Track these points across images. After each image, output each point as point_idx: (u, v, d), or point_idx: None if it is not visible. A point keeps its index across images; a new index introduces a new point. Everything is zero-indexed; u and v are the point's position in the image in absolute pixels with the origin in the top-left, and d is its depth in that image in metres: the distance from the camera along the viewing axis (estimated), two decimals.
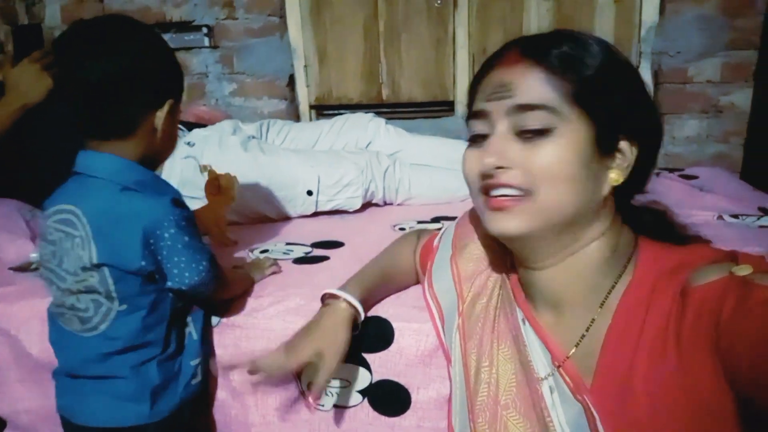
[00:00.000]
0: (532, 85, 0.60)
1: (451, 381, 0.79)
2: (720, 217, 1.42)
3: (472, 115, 0.65)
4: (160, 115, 0.86)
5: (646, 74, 2.14)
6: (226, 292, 0.98)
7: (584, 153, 0.59)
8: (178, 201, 0.86)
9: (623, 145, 0.62)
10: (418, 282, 0.98)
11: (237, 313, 0.99)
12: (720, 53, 2.08)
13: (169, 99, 0.87)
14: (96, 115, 0.83)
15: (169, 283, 0.86)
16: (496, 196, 0.62)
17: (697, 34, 2.07)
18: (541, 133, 0.59)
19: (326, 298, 0.86)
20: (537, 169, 0.59)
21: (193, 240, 0.86)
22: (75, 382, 0.88)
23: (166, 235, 0.82)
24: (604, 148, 0.60)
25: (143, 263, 0.82)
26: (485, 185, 0.63)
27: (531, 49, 0.62)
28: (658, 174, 1.90)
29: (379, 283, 0.93)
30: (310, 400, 0.83)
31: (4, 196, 1.49)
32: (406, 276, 0.97)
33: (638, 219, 0.67)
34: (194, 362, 0.93)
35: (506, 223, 0.61)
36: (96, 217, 0.81)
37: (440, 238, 0.90)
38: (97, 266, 0.81)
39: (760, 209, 1.48)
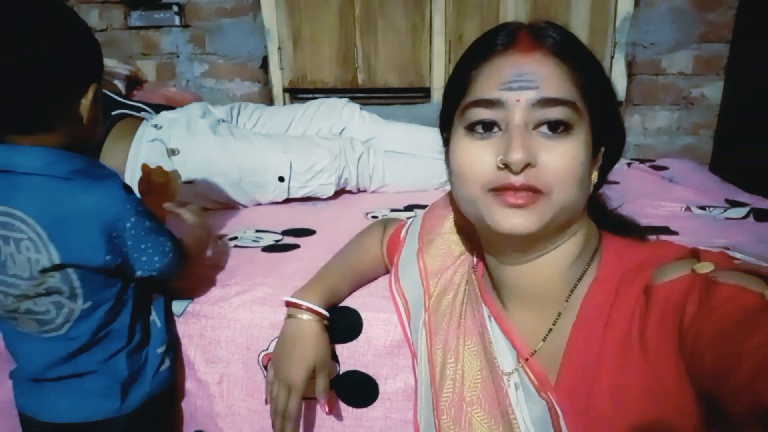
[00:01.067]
0: (556, 78, 0.56)
1: (416, 377, 0.78)
2: (688, 209, 1.45)
3: (479, 102, 0.58)
4: (86, 103, 0.78)
5: (620, 65, 2.16)
6: (190, 262, 0.94)
7: (588, 153, 0.58)
8: (127, 186, 0.81)
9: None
10: (387, 272, 0.97)
11: (202, 303, 0.97)
12: (692, 46, 2.10)
13: (93, 84, 0.79)
14: (14, 109, 0.74)
15: (138, 273, 0.83)
16: (511, 192, 0.56)
17: (671, 26, 2.09)
18: (564, 130, 0.56)
19: (290, 306, 0.85)
20: (558, 167, 0.55)
21: (152, 222, 0.83)
22: (38, 384, 0.85)
23: (128, 225, 0.79)
24: (594, 149, 0.60)
25: (108, 258, 0.78)
26: (502, 185, 0.56)
27: (546, 39, 0.58)
28: (629, 164, 1.92)
29: (345, 280, 0.92)
30: (325, 405, 0.84)
31: None
32: (374, 268, 0.96)
33: (600, 214, 0.67)
34: (161, 350, 0.91)
35: (520, 221, 0.56)
36: (45, 215, 0.75)
37: (407, 230, 0.89)
38: (58, 267, 0.76)
39: (727, 201, 1.51)
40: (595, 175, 0.62)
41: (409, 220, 0.91)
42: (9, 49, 0.71)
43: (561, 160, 0.55)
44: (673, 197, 1.54)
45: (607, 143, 0.63)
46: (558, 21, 0.61)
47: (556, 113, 0.56)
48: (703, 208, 1.45)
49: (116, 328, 0.85)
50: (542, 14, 2.12)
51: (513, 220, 0.56)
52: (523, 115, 0.56)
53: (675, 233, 1.25)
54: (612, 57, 2.16)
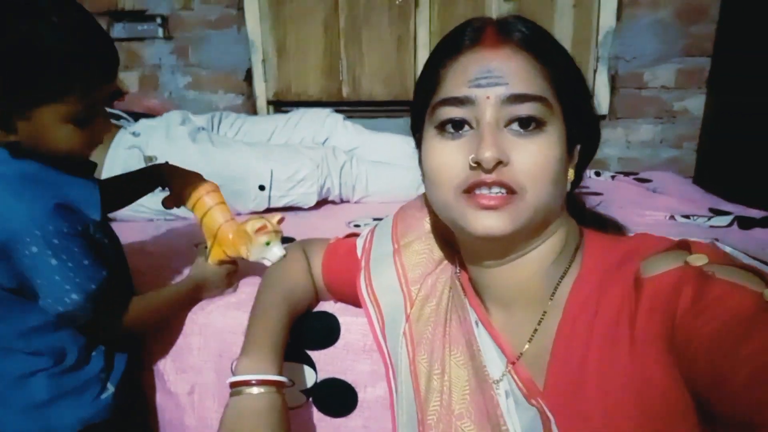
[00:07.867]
0: (525, 73, 0.55)
1: (391, 389, 0.73)
2: (672, 217, 1.44)
3: (448, 101, 0.56)
4: (53, 113, 0.68)
5: (603, 78, 2.17)
6: (130, 326, 0.83)
7: (563, 151, 0.56)
8: (62, 208, 0.71)
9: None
10: (318, 301, 0.90)
11: None
12: (675, 59, 2.12)
13: (73, 92, 0.68)
14: None
15: (41, 302, 0.73)
16: (484, 194, 0.54)
17: (653, 39, 2.11)
18: (536, 126, 0.54)
19: (238, 385, 0.67)
20: (531, 166, 0.53)
21: (66, 263, 0.72)
22: None
23: (27, 252, 0.69)
24: (569, 145, 0.58)
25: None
26: (474, 182, 0.54)
27: (513, 33, 0.56)
28: (613, 177, 1.92)
29: (287, 324, 0.77)
30: None
31: None
32: (307, 299, 0.86)
33: (578, 213, 0.66)
34: (102, 375, 0.82)
35: (494, 223, 0.54)
36: None
37: (369, 239, 0.82)
38: None
39: (711, 210, 1.51)
40: (571, 173, 0.60)
41: (365, 231, 0.84)
42: None
43: (533, 158, 0.54)
44: (657, 206, 1.54)
45: (583, 140, 0.61)
46: None
47: (527, 109, 0.54)
48: (687, 216, 1.44)
49: (42, 349, 0.77)
50: None
51: (487, 222, 0.54)
52: (493, 112, 0.54)
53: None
54: (595, 70, 2.17)
